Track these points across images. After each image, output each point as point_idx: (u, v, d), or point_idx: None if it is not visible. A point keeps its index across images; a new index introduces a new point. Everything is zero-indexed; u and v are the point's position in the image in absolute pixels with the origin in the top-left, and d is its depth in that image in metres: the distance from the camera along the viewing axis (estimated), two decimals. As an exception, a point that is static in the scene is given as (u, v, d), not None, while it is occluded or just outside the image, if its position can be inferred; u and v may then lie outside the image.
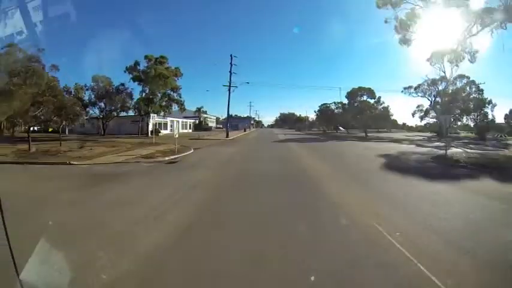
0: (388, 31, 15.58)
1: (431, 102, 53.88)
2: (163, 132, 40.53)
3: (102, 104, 36.40)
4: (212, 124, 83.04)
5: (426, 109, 56.10)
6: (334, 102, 52.50)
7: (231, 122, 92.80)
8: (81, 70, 67.78)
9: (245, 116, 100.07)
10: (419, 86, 55.10)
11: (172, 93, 30.73)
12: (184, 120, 55.38)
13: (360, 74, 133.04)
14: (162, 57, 34.08)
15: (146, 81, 30.85)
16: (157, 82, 29.53)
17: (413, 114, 57.83)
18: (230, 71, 28.89)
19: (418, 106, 58.45)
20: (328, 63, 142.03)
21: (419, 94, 55.72)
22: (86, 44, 68.83)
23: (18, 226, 3.35)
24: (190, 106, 75.91)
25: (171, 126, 47.55)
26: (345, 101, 47.67)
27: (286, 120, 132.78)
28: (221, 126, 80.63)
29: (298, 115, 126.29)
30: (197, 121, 62.25)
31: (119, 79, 41.71)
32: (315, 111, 69.20)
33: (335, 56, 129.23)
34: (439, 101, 52.47)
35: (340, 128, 74.94)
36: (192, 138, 27.56)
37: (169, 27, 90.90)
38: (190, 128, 58.07)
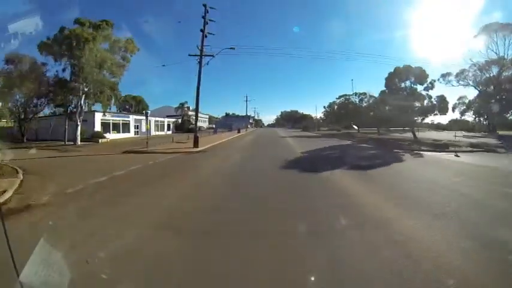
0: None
1: (479, 91, 41.34)
2: (113, 136, 27.90)
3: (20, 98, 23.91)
4: (203, 124, 70.19)
5: (469, 101, 43.76)
6: (356, 93, 40.01)
7: (226, 122, 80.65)
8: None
9: (243, 115, 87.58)
10: (462, 71, 42.38)
11: (102, 70, 17.80)
12: (161, 119, 42.68)
13: (360, 74, 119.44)
14: (105, 21, 21.32)
15: (64, 54, 18.14)
16: (77, 51, 16.86)
17: (453, 108, 45.17)
18: (203, 30, 16.23)
19: (460, 98, 45.77)
20: (331, 60, 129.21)
21: (462, 82, 43.21)
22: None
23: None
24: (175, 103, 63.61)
25: (136, 127, 34.85)
26: (371, 91, 35.38)
27: (289, 119, 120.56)
28: (213, 126, 67.91)
29: (301, 113, 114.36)
30: (179, 120, 49.56)
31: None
32: (324, 107, 57.03)
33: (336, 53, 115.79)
34: (489, 90, 40.09)
35: (354, 126, 62.98)
36: (130, 149, 14.84)
37: (167, 26, 78.44)
38: (169, 130, 45.38)
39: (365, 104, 38.45)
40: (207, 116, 79.41)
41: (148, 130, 38.75)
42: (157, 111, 54.86)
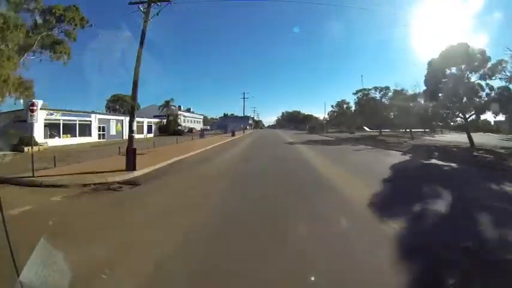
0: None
1: (522, 86, 33.97)
2: (60, 142, 20.66)
3: None
4: (196, 125, 62.96)
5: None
6: (376, 87, 32.81)
7: (223, 123, 73.25)
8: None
9: (242, 115, 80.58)
10: (500, 62, 35.21)
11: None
12: (139, 119, 35.36)
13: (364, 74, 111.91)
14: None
15: None
16: None
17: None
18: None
19: (495, 94, 38.36)
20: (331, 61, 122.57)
21: (499, 76, 36.12)
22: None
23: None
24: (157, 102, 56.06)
25: (102, 129, 27.58)
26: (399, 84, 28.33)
27: (290, 120, 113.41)
28: (208, 127, 60.71)
29: (303, 113, 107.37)
30: (164, 121, 42.34)
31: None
32: (332, 106, 49.98)
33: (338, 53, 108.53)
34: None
35: (365, 127, 55.74)
36: (3, 176, 7.65)
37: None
38: (151, 132, 38.16)
39: (387, 100, 31.20)
40: (201, 117, 72.03)
41: (119, 132, 31.60)
42: (144, 111, 47.69)
